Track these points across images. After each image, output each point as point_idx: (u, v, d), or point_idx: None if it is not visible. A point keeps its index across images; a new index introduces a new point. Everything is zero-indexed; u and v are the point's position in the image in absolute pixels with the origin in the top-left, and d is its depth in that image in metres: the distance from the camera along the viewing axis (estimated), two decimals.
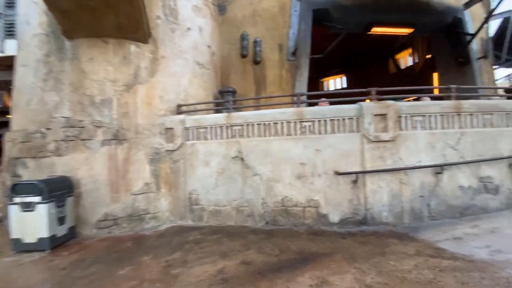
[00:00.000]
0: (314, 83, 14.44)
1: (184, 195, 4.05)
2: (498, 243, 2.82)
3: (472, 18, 7.28)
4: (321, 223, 3.67)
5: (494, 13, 6.85)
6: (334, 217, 3.67)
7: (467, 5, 7.05)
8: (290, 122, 3.80)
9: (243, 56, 5.81)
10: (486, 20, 6.92)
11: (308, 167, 3.73)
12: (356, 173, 3.65)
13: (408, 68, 12.04)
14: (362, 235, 3.34)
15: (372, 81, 11.72)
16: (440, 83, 8.25)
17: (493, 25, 8.03)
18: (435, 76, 9.30)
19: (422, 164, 3.72)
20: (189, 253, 2.93)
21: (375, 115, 3.68)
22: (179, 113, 4.29)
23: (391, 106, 3.67)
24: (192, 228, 3.79)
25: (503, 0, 6.10)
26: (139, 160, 3.97)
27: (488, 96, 5.87)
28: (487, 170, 3.90)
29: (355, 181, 3.68)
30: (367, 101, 3.95)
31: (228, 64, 5.89)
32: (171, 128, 4.11)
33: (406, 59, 12.35)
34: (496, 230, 3.21)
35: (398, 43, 11.88)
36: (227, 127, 3.94)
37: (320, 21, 6.04)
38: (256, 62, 5.78)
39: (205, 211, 3.96)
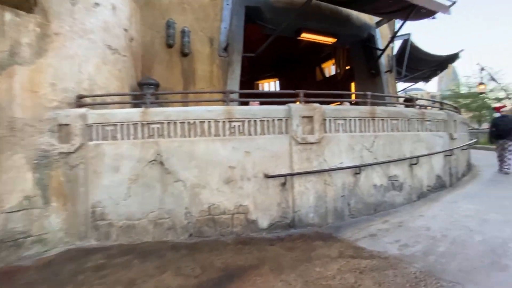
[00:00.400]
0: (249, 85, 14.53)
1: (86, 209, 3.25)
2: (405, 237, 3.10)
3: (381, 37, 8.38)
4: (250, 230, 3.46)
5: (397, 34, 8.03)
6: (263, 223, 3.51)
7: (378, 24, 8.06)
8: (219, 121, 3.46)
9: (169, 46, 5.19)
10: (391, 40, 8.05)
11: (238, 170, 3.47)
12: (285, 175, 3.57)
13: (332, 76, 13.25)
14: (290, 240, 3.25)
15: (302, 86, 12.37)
16: (357, 91, 9.27)
17: (397, 45, 9.46)
18: (353, 85, 10.43)
19: (344, 165, 3.91)
20: (81, 287, 2.27)
21: (303, 117, 3.68)
22: (81, 106, 3.44)
23: (317, 108, 3.74)
24: (95, 250, 3.05)
25: (404, 24, 7.16)
26: (15, 166, 2.98)
27: (392, 104, 6.79)
28: (394, 170, 4.38)
29: (283, 184, 3.60)
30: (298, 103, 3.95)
31: (151, 53, 5.16)
32: (67, 125, 3.24)
33: (330, 69, 13.57)
34: (402, 224, 3.57)
35: (324, 53, 12.96)
36: (143, 125, 3.33)
37: (253, 19, 5.91)
38: (184, 54, 5.24)
39: (113, 227, 3.26)
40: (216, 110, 3.44)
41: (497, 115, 7.21)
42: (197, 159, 3.37)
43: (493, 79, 16.49)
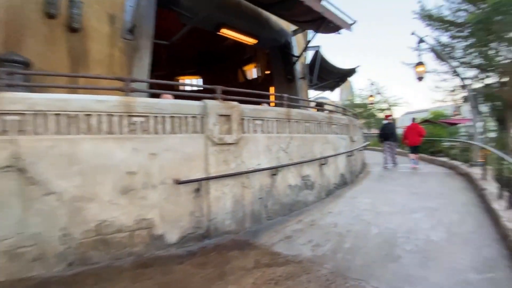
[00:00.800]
0: (169, 80, 13.30)
1: None
2: (316, 237, 3.17)
3: (297, 45, 8.96)
4: (156, 248, 2.89)
5: (310, 44, 8.74)
6: (172, 237, 3.00)
7: (294, 33, 8.57)
8: (113, 115, 2.76)
9: (50, 16, 3.99)
10: (305, 48, 8.70)
11: (140, 176, 2.85)
12: (199, 180, 3.17)
13: (253, 79, 13.52)
14: (203, 253, 2.87)
15: (225, 86, 12.17)
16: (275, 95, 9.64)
17: (310, 56, 10.31)
18: (272, 89, 10.86)
19: (262, 166, 3.80)
20: None
21: (220, 115, 3.36)
22: None
23: (235, 107, 3.49)
24: None
25: (315, 35, 7.82)
26: None
27: (305, 108, 7.28)
28: (307, 170, 4.58)
29: (198, 190, 3.18)
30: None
31: (20, 22, 3.85)
32: None
33: (252, 72, 13.84)
34: (314, 222, 3.70)
35: (246, 56, 13.09)
36: None
37: (167, 3, 5.24)
38: (72, 29, 4.13)
39: None
40: (109, 101, 2.73)
41: (385, 122, 8.87)
42: (80, 164, 2.58)
43: (379, 92, 20.43)
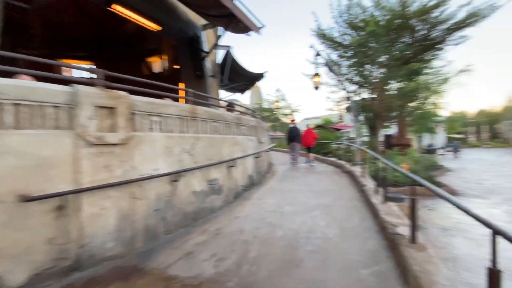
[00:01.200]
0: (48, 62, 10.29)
1: None
2: (221, 248, 2.87)
3: (208, 41, 8.56)
4: None
5: (221, 44, 8.49)
6: (17, 277, 2.06)
7: (204, 27, 8.14)
8: None
9: None
10: (215, 46, 8.39)
11: None
12: (63, 194, 2.32)
13: (159, 73, 12.20)
14: None
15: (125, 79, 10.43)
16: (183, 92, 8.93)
17: (221, 55, 10.07)
18: (182, 85, 10.04)
19: (160, 172, 3.20)
20: None
21: (100, 107, 2.59)
22: None
23: (122, 98, 2.78)
24: None
25: (225, 33, 7.63)
26: None
27: (214, 107, 6.97)
28: (214, 173, 4.24)
29: (61, 207, 2.33)
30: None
31: None
32: None
33: (157, 64, 12.49)
34: (219, 231, 3.39)
35: (151, 46, 11.69)
36: None
37: None
38: None
39: None
40: None
41: (291, 125, 9.84)
42: None
43: (283, 99, 22.47)
